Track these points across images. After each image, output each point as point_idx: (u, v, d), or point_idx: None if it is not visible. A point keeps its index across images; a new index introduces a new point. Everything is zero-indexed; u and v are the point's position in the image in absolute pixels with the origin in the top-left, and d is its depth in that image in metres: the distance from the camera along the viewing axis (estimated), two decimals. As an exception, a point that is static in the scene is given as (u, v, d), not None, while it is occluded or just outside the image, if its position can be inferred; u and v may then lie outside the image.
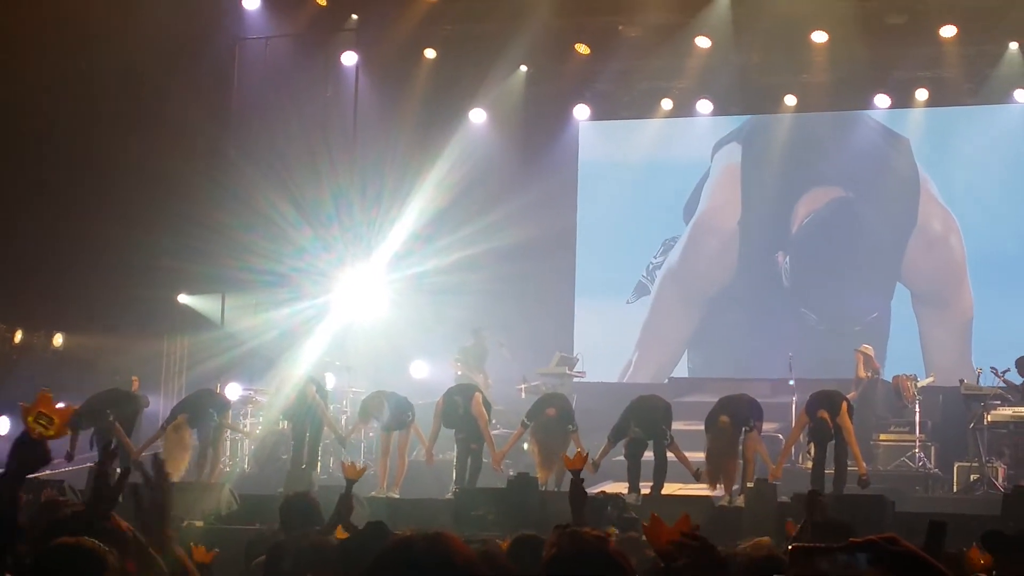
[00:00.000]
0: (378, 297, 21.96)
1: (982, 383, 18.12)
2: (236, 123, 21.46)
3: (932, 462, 18.31)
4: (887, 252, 22.21)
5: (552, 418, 15.08)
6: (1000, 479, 17.13)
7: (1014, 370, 17.97)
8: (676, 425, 15.16)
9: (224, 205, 20.69)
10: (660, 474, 14.65)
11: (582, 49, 22.04)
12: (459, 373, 19.84)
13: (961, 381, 18.22)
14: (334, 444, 17.65)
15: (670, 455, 14.74)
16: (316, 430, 16.03)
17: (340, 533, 8.17)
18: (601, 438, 15.19)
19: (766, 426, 15.97)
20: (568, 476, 6.94)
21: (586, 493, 6.56)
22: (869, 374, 19.26)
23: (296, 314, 21.09)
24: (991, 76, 21.25)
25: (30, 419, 4.20)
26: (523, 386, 19.88)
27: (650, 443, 14.88)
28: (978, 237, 21.77)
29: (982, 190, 21.84)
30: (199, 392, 16.60)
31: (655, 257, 23.46)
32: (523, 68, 22.75)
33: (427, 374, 21.13)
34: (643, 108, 23.38)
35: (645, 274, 23.46)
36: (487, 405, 15.87)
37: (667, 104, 23.05)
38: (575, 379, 20.54)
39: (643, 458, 14.87)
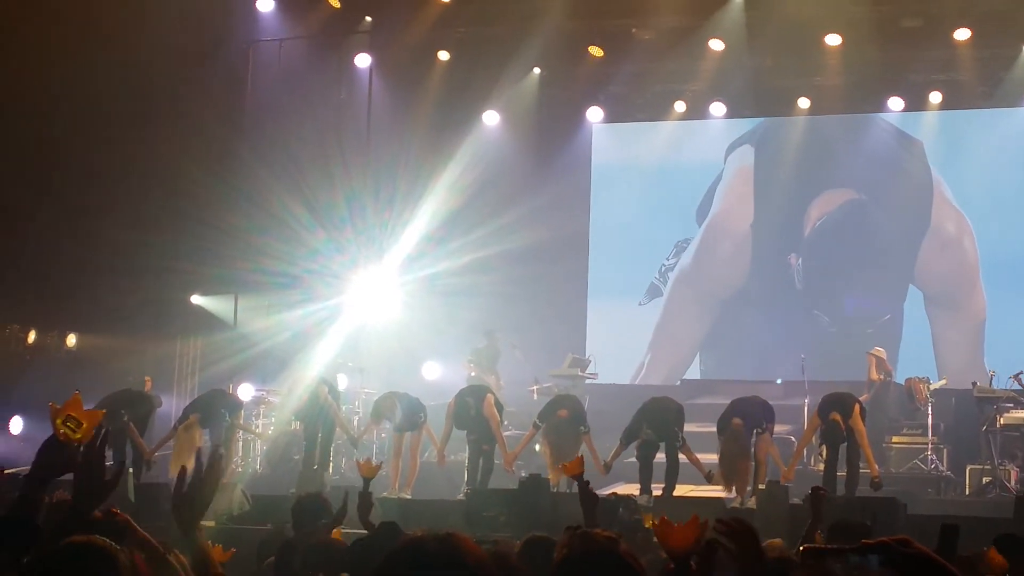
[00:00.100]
0: (391, 299, 21.98)
1: (995, 386, 18.07)
2: (249, 125, 21.48)
3: (944, 465, 18.28)
4: (900, 254, 22.19)
5: (564, 419, 15.08)
6: (1012, 482, 17.09)
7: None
8: (688, 427, 15.14)
9: (237, 207, 20.73)
10: (672, 476, 14.65)
11: (596, 51, 22.04)
12: (472, 374, 19.85)
13: (974, 384, 18.21)
14: (346, 445, 17.65)
15: (682, 457, 14.73)
16: (328, 431, 16.04)
17: (336, 534, 8.17)
18: (613, 440, 15.19)
19: (778, 428, 15.96)
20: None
21: (596, 495, 6.55)
22: (882, 376, 19.23)
23: (309, 315, 21.11)
24: (1005, 79, 21.22)
25: (59, 421, 4.19)
26: (535, 387, 19.89)
27: (662, 445, 14.87)
28: (991, 240, 21.73)
29: (995, 193, 21.80)
30: (211, 392, 16.61)
31: (668, 259, 23.45)
32: (536, 70, 22.76)
33: (439, 375, 21.14)
34: (656, 110, 23.39)
35: (657, 276, 23.45)
36: (499, 406, 15.87)
37: (680, 107, 23.05)
38: (587, 381, 20.53)
39: (655, 460, 14.87)
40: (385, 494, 14.85)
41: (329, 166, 21.46)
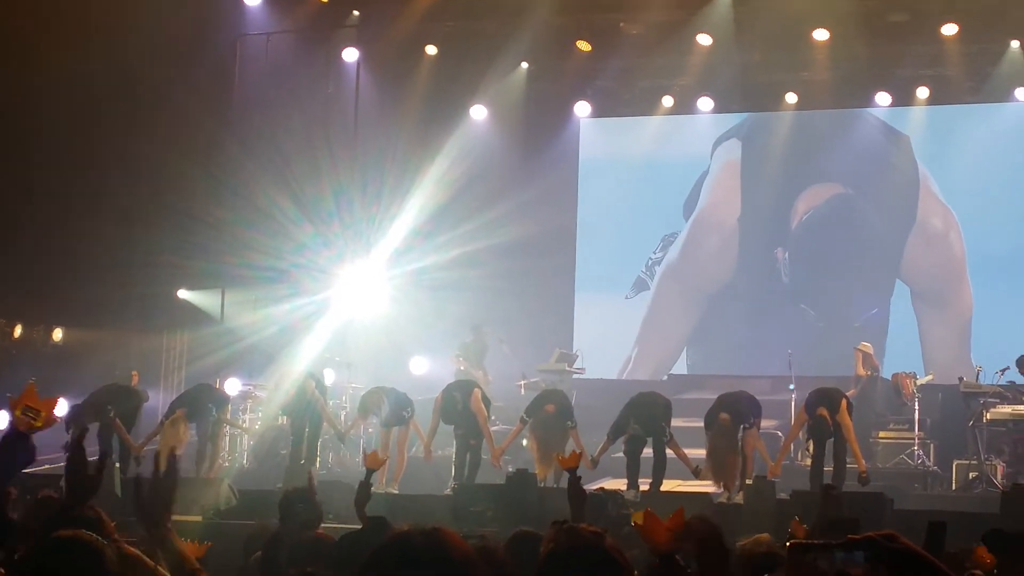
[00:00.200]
0: (378, 293, 21.96)
1: (981, 381, 18.10)
2: (237, 119, 21.45)
3: (931, 460, 18.30)
4: (886, 249, 22.22)
5: (551, 414, 15.07)
6: (999, 477, 17.11)
7: (1014, 368, 17.94)
8: (675, 422, 15.14)
9: (224, 201, 20.70)
10: (659, 471, 14.65)
11: (583, 46, 22.03)
12: (461, 368, 19.84)
13: (960, 379, 18.21)
14: (333, 440, 17.64)
15: (669, 452, 14.73)
16: (315, 426, 16.03)
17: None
18: (600, 435, 15.19)
19: (765, 423, 15.96)
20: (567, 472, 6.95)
21: (585, 491, 6.56)
22: (868, 372, 19.25)
23: (296, 310, 21.09)
24: (992, 74, 21.26)
25: (18, 412, 4.20)
26: (522, 382, 19.88)
27: (649, 440, 14.88)
28: (978, 235, 21.77)
29: (982, 188, 21.83)
30: (198, 387, 16.59)
31: (655, 253, 23.46)
32: (524, 65, 22.76)
33: (427, 370, 21.12)
34: (644, 105, 23.39)
35: (644, 270, 23.46)
36: (486, 401, 15.86)
37: (668, 101, 23.07)
38: (574, 375, 20.54)
39: (642, 455, 14.87)
40: (372, 489, 14.81)
41: (316, 160, 21.43)
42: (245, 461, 18.83)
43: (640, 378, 21.83)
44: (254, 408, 19.47)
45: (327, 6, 21.60)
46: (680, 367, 23.12)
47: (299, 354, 19.16)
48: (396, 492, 15.20)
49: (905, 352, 21.12)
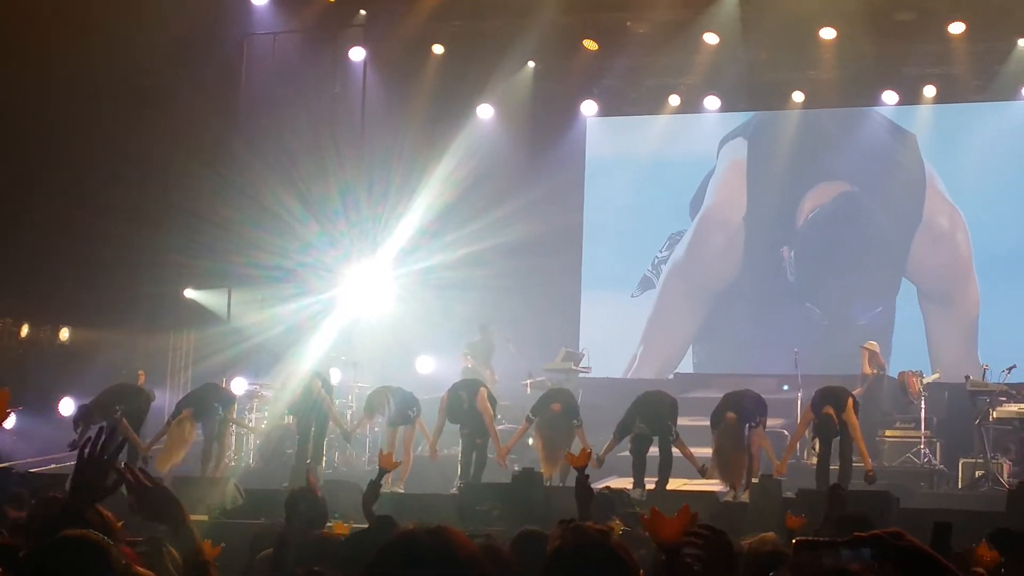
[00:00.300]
0: (384, 292, 21.96)
1: (988, 379, 18.09)
2: (243, 119, 21.46)
3: (937, 458, 18.30)
4: (892, 248, 22.19)
5: (557, 413, 15.08)
6: (1005, 475, 17.11)
7: (1021, 367, 17.93)
8: (681, 421, 15.16)
9: (231, 201, 20.71)
10: (665, 470, 14.67)
11: (590, 45, 22.02)
12: (468, 367, 19.86)
13: (967, 377, 18.20)
14: (339, 439, 17.66)
15: (675, 451, 14.74)
16: (321, 425, 16.04)
17: (339, 528, 8.19)
18: (606, 434, 15.20)
19: (771, 422, 15.98)
20: (573, 471, 6.96)
21: (592, 490, 6.57)
22: (875, 370, 19.22)
23: (302, 309, 21.10)
24: (999, 73, 21.22)
25: None
26: (529, 381, 19.88)
27: (655, 439, 14.88)
28: (984, 233, 21.73)
29: (989, 187, 21.79)
30: (205, 387, 16.61)
31: (661, 252, 23.44)
32: (531, 64, 22.75)
33: (433, 369, 21.12)
34: (651, 104, 23.38)
35: (650, 268, 23.45)
36: (492, 400, 15.88)
37: (675, 100, 23.05)
38: (581, 375, 20.54)
39: (648, 454, 14.87)
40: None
41: (323, 160, 21.44)
42: (251, 460, 18.83)
43: (646, 377, 21.80)
44: (260, 407, 19.49)
45: (334, 5, 21.61)
46: (686, 366, 23.10)
47: (305, 353, 19.18)
48: (402, 491, 15.21)
49: (911, 351, 21.09)
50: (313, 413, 15.98)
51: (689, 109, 23.10)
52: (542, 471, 14.37)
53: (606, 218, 23.92)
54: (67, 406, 18.13)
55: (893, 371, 19.52)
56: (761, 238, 22.88)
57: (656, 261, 23.45)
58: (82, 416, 15.06)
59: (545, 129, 23.69)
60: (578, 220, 23.79)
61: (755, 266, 22.89)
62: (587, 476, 6.69)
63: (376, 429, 18.02)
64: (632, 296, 23.44)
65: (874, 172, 22.54)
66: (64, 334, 19.94)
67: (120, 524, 4.73)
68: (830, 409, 14.29)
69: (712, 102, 22.81)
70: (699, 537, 3.84)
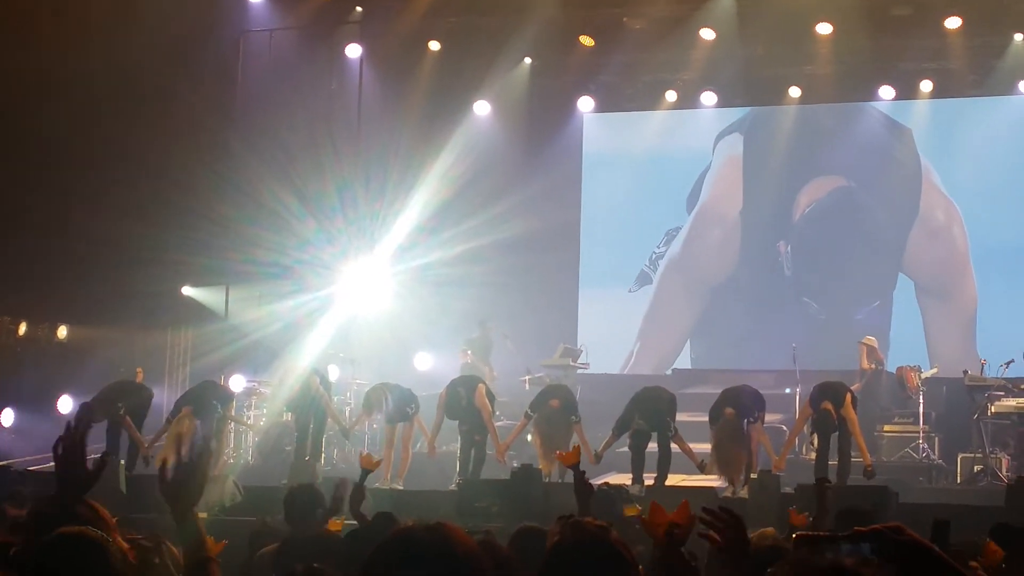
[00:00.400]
0: (382, 289, 21.96)
1: (986, 374, 18.10)
2: (240, 116, 21.45)
3: (936, 453, 18.30)
4: (889, 242, 22.20)
5: (555, 409, 15.07)
6: (1004, 470, 17.13)
7: (1020, 361, 17.94)
8: (680, 416, 15.16)
9: (228, 198, 20.69)
10: (664, 465, 14.67)
11: (586, 41, 22.02)
12: (468, 362, 19.86)
13: (965, 372, 18.21)
14: (338, 436, 17.66)
15: (674, 447, 14.74)
16: (320, 422, 16.03)
17: (333, 524, 8.18)
18: (605, 430, 15.20)
19: (770, 417, 15.98)
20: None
21: (592, 485, 6.56)
22: (873, 365, 19.23)
23: (300, 306, 21.09)
24: (996, 67, 21.22)
25: None
26: (527, 377, 19.87)
27: (654, 435, 14.88)
28: (981, 228, 21.73)
29: (985, 181, 21.79)
30: (203, 384, 16.58)
31: (658, 247, 23.44)
32: (527, 60, 22.75)
33: (431, 366, 21.11)
34: (647, 100, 23.36)
35: (647, 264, 23.44)
36: (490, 397, 15.87)
37: (671, 96, 23.04)
38: (579, 371, 20.54)
39: (647, 449, 14.87)
40: (377, 485, 14.83)
41: (320, 156, 21.42)
42: (250, 457, 18.83)
43: (644, 372, 21.82)
44: (258, 404, 19.49)
45: (330, 2, 21.60)
46: (683, 361, 23.11)
47: (303, 350, 19.19)
48: (401, 488, 15.22)
49: (910, 345, 21.08)
50: (311, 410, 15.98)
51: (685, 105, 23.10)
52: (541, 467, 14.36)
53: (603, 214, 23.92)
54: (65, 404, 18.14)
55: (891, 366, 19.52)
56: (758, 233, 22.88)
57: (653, 257, 23.44)
58: (84, 413, 15.05)
59: (542, 125, 23.69)
60: (575, 216, 23.78)
61: (752, 261, 22.89)
62: (583, 472, 6.66)
63: (374, 426, 18.01)
64: (629, 292, 23.44)
65: (870, 167, 22.54)
66: (62, 332, 19.93)
67: (114, 520, 4.71)
68: (828, 404, 14.30)
69: (708, 98, 22.81)
70: (719, 520, 3.84)
